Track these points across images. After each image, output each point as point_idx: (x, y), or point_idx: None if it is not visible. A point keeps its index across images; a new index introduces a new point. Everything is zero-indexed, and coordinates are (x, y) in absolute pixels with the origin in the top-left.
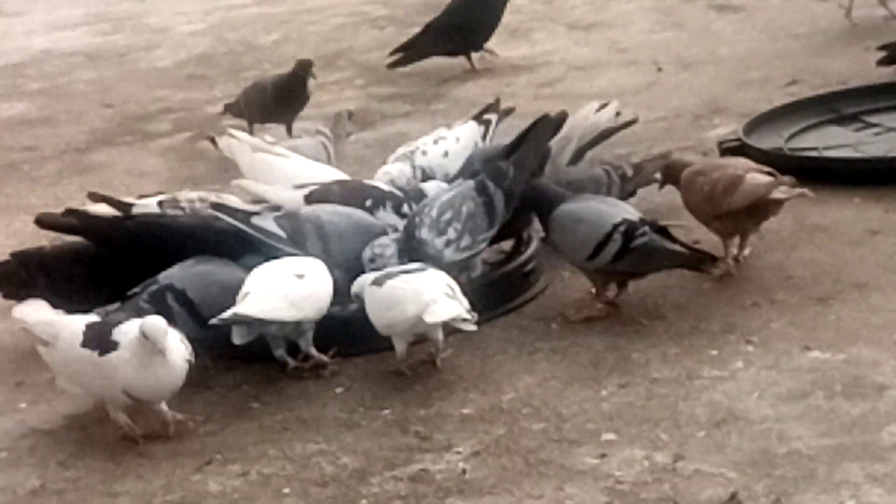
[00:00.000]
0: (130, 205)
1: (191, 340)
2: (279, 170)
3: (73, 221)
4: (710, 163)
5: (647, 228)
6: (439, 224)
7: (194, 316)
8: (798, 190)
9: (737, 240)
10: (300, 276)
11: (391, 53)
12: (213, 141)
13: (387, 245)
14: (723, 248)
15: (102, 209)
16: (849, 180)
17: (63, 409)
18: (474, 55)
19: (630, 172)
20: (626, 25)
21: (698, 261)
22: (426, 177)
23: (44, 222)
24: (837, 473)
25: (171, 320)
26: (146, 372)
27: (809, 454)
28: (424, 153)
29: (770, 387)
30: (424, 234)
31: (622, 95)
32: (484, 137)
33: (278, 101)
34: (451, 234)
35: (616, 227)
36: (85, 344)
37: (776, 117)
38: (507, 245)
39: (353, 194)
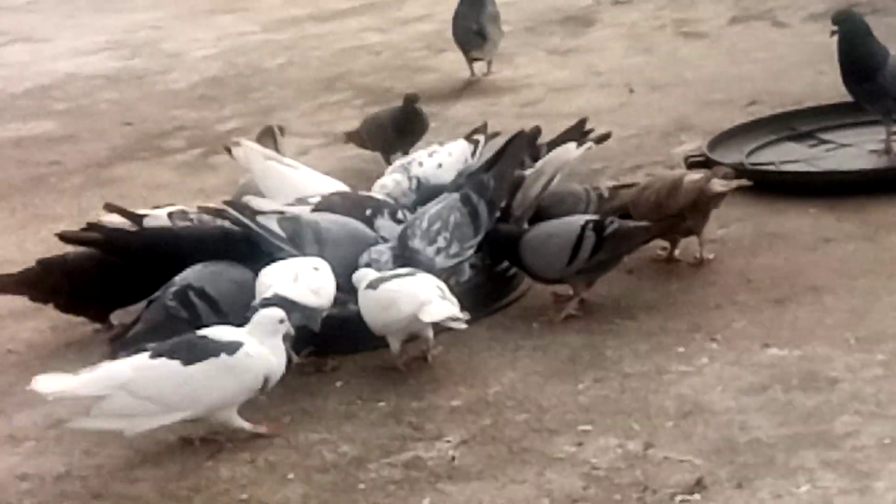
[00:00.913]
0: (142, 215)
1: None
2: (287, 178)
3: (92, 235)
4: (649, 179)
5: (612, 218)
6: (430, 234)
7: (215, 311)
8: (735, 182)
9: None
10: (316, 269)
11: None
12: (228, 150)
13: (382, 252)
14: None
15: (116, 219)
16: (804, 192)
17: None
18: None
19: (607, 195)
20: (601, 51)
21: (670, 225)
22: (421, 186)
23: (66, 237)
24: (794, 460)
25: (197, 315)
26: (281, 357)
27: (769, 443)
28: (421, 164)
29: (733, 381)
30: (417, 243)
31: (597, 115)
32: (473, 154)
33: (399, 134)
34: (441, 242)
35: (584, 226)
36: (194, 360)
37: (737, 134)
38: None
39: (354, 204)
